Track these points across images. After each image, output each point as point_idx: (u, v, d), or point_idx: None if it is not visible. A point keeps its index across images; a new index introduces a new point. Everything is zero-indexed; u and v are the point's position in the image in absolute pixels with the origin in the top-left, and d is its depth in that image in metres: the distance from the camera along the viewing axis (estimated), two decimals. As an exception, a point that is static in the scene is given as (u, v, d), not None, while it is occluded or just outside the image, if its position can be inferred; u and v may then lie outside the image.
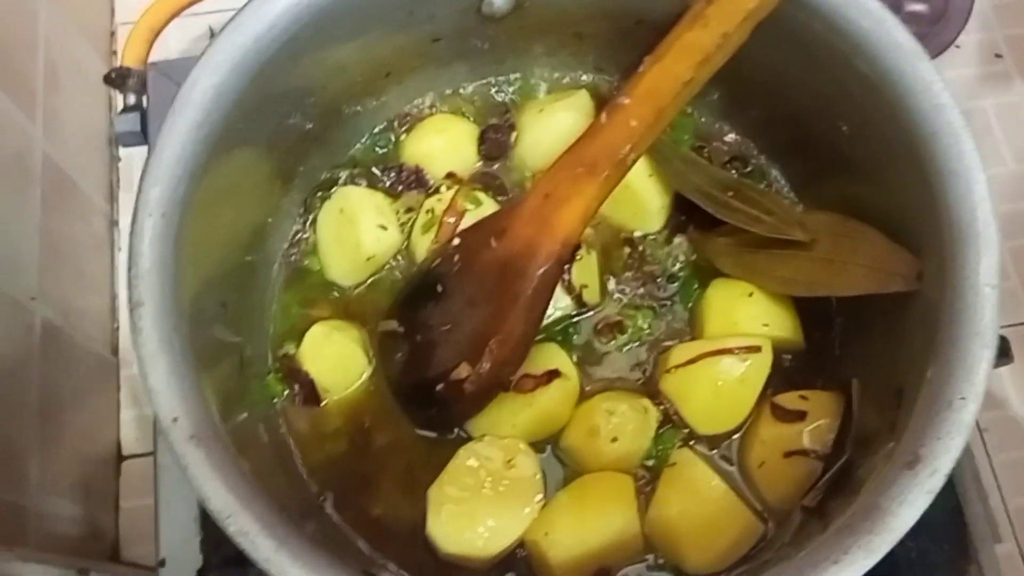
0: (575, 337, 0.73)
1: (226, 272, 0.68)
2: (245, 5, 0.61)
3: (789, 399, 0.69)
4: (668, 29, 0.66)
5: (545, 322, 0.70)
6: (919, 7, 1.07)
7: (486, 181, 0.78)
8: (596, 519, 0.66)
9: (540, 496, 0.67)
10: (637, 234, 0.77)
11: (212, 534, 0.71)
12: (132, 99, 0.89)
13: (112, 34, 1.16)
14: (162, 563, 0.71)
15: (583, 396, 0.71)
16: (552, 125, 0.76)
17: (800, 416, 0.68)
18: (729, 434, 0.70)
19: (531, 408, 0.69)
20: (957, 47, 1.10)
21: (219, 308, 0.66)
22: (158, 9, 0.92)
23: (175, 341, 0.56)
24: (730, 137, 0.80)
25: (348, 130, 0.78)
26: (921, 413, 0.55)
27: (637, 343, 0.74)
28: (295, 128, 0.72)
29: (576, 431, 0.69)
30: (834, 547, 0.51)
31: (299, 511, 0.64)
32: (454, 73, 0.79)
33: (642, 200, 0.74)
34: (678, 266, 0.76)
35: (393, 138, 0.80)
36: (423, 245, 0.74)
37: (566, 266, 0.69)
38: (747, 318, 0.70)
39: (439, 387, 0.66)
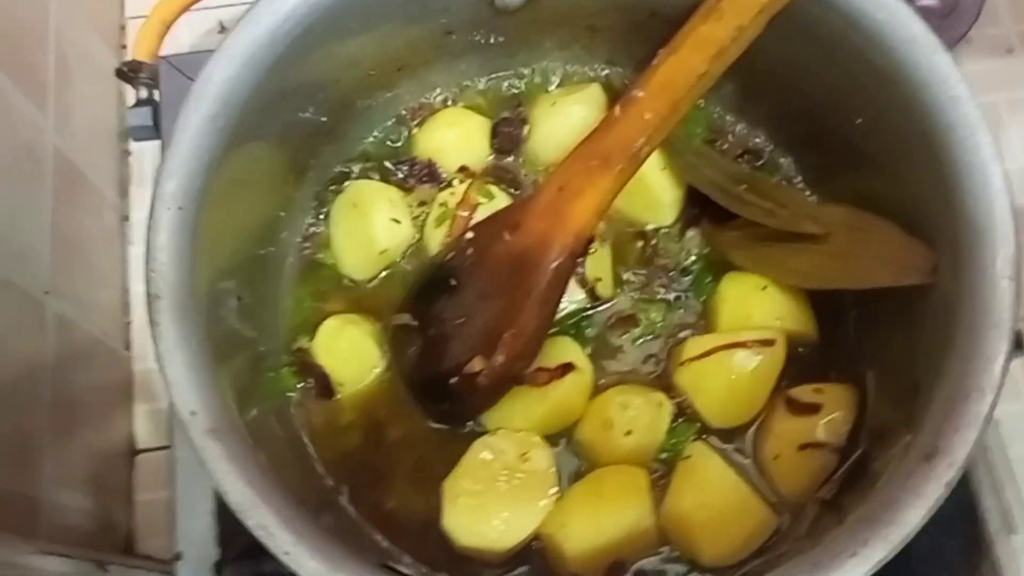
0: (588, 330, 0.73)
1: (240, 266, 0.68)
2: (259, -1, 0.61)
3: (803, 392, 0.69)
4: (682, 22, 0.66)
5: (558, 315, 0.70)
6: (930, 1, 1.07)
7: (499, 175, 0.78)
8: (611, 512, 0.66)
9: (555, 489, 0.67)
10: (650, 227, 0.76)
11: (228, 527, 0.71)
12: (144, 93, 0.89)
13: (122, 28, 1.15)
14: (178, 556, 0.72)
15: (597, 389, 0.71)
16: (564, 119, 0.76)
17: (815, 409, 0.68)
18: (743, 427, 0.70)
19: (545, 401, 0.69)
20: (968, 42, 1.10)
21: (234, 302, 0.67)
22: (170, 2, 0.92)
23: (192, 335, 0.56)
24: (743, 130, 0.79)
25: (361, 124, 0.78)
26: (938, 406, 0.55)
27: (651, 336, 0.74)
28: (308, 121, 0.72)
29: (590, 424, 0.70)
30: (852, 539, 0.51)
31: (315, 504, 0.65)
32: (467, 67, 0.79)
33: (655, 193, 0.74)
34: (691, 259, 0.76)
35: (406, 132, 0.80)
36: (436, 239, 0.74)
37: (579, 259, 0.68)
38: (761, 311, 0.70)
39: (453, 380, 0.66)
